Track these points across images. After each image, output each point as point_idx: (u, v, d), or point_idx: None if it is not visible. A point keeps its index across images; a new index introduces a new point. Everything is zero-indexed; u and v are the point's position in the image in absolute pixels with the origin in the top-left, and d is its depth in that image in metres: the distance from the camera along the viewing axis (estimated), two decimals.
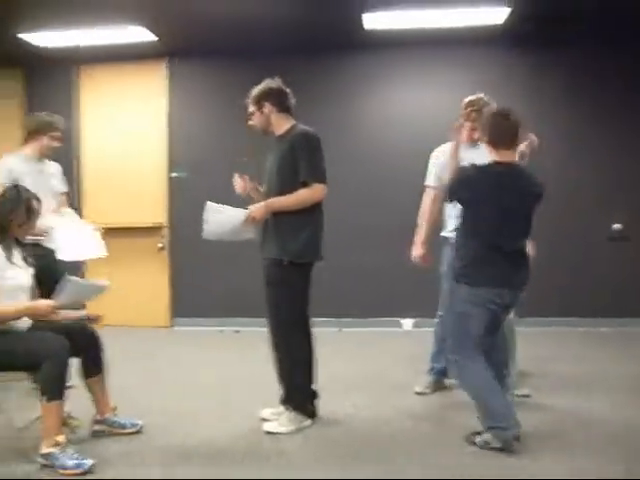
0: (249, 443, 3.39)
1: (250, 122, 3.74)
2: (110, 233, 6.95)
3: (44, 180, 4.28)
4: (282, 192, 3.55)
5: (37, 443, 3.23)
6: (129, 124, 7.05)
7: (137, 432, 3.52)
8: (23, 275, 3.38)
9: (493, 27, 5.95)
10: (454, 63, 6.53)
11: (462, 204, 3.40)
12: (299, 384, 3.64)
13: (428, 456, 3.20)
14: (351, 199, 6.59)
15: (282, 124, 3.66)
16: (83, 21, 5.75)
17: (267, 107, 3.63)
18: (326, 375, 3.80)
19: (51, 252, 4.03)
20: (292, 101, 3.70)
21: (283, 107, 3.67)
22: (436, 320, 4.31)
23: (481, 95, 4.05)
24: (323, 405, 3.74)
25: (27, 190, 3.41)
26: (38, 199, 3.42)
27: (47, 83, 7.18)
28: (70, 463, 3.03)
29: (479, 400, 3.32)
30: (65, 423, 3.55)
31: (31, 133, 4.36)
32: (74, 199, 7.09)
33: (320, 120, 6.54)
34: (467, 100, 4.07)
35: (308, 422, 3.61)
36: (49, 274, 3.57)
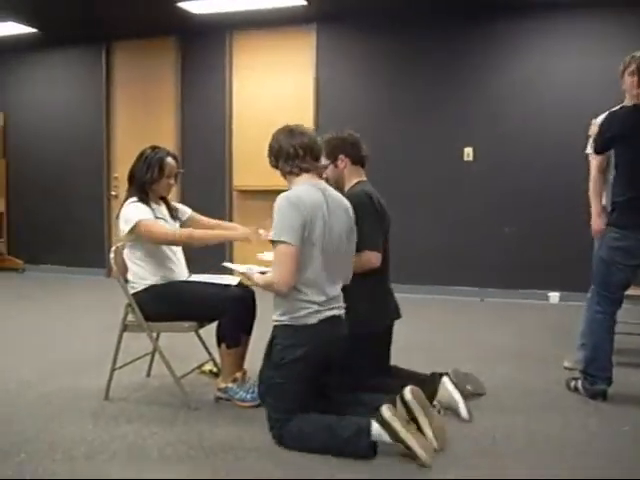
0: None
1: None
2: (260, 195, 7.28)
3: None
4: None
5: (194, 390, 3.50)
6: (279, 88, 7.23)
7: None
8: (171, 227, 3.54)
9: None
10: (614, 26, 6.10)
11: (612, 144, 3.33)
12: None
13: (583, 425, 3.11)
14: (501, 165, 6.42)
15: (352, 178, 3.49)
16: None
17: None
18: (471, 345, 3.72)
19: None
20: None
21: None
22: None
23: None
24: None
25: (163, 150, 3.53)
26: (175, 157, 3.56)
27: (201, 50, 7.50)
28: (248, 397, 3.31)
29: (587, 345, 3.43)
30: (211, 370, 3.81)
31: None
32: (226, 162, 7.42)
33: (475, 84, 6.44)
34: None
35: None
36: None
